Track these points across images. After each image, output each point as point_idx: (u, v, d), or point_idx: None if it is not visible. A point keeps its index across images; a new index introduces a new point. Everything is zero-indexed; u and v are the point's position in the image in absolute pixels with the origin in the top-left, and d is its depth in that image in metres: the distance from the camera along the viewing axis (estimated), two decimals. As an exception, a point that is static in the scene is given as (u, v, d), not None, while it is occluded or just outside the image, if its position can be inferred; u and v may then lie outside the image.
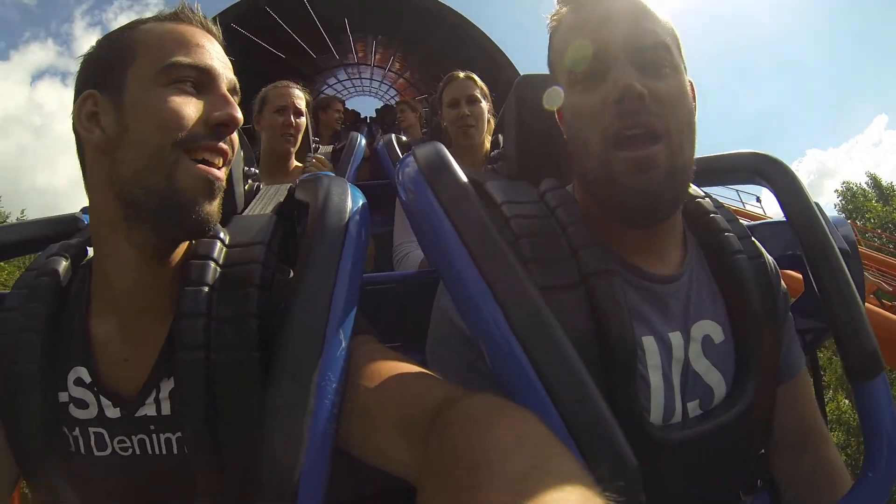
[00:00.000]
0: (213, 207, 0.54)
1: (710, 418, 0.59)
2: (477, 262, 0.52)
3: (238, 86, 0.58)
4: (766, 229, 0.85)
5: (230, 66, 0.58)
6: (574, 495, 0.27)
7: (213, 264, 0.55)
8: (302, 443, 0.44)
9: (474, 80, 1.64)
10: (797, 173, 0.73)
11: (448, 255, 0.55)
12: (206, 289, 0.53)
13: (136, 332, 0.55)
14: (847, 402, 11.80)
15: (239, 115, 0.55)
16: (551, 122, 0.68)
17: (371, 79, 9.98)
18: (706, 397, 0.60)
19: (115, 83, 0.52)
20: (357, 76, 9.77)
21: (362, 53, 7.83)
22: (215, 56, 0.57)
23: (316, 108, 3.06)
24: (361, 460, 0.49)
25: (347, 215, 0.57)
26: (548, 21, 0.63)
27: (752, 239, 0.67)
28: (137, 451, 0.53)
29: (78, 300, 0.57)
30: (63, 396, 0.54)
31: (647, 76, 0.53)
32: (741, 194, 11.24)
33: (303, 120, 1.60)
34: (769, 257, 0.68)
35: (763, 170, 0.75)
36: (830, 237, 0.66)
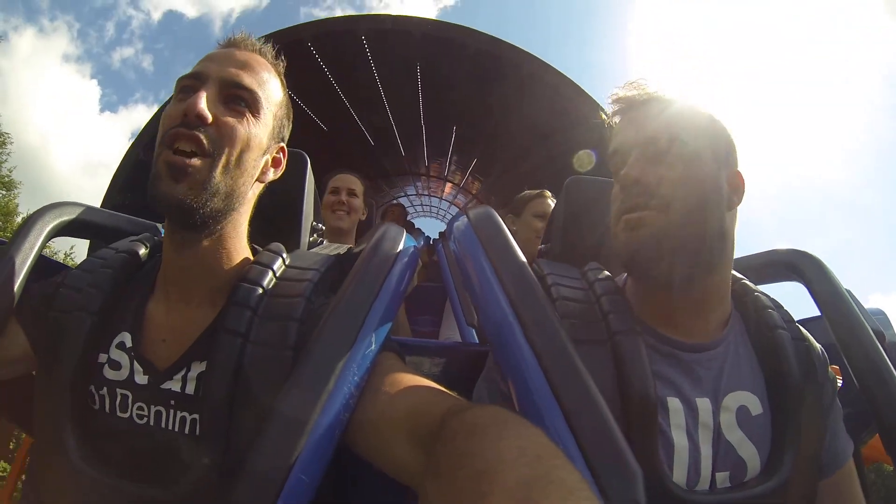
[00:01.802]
0: (178, 190, 0.55)
1: (740, 490, 0.57)
2: (514, 307, 0.56)
3: (244, 80, 0.60)
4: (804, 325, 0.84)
5: (239, 65, 0.62)
6: None
7: (270, 273, 0.61)
8: (305, 431, 0.46)
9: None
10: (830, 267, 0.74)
11: (486, 297, 0.59)
12: (260, 290, 0.58)
13: (179, 318, 0.61)
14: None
15: (197, 104, 0.56)
16: (595, 218, 0.78)
17: (441, 198, 10.01)
18: (738, 470, 0.59)
19: None
20: (427, 193, 9.91)
21: (436, 173, 7.92)
22: (214, 60, 0.62)
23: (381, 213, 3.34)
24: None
25: (400, 245, 0.64)
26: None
27: (797, 324, 0.68)
28: (151, 423, 0.56)
29: (145, 280, 0.64)
30: (102, 357, 0.59)
31: (655, 165, 0.63)
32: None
33: (356, 201, 1.76)
34: (817, 345, 0.68)
35: (796, 264, 0.77)
36: (863, 320, 0.66)
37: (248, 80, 0.61)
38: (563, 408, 0.47)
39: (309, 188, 0.94)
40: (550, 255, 0.97)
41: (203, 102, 0.57)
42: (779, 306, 0.69)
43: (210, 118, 0.57)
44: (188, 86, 0.60)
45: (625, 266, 0.66)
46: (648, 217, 0.61)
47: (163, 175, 0.56)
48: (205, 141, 0.56)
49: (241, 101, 0.61)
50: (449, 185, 8.15)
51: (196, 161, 0.56)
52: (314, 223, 1.05)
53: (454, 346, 1.29)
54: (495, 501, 0.28)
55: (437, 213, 11.42)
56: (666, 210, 0.61)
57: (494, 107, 4.56)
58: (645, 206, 0.61)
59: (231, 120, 0.59)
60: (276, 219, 0.89)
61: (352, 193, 1.76)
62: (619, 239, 0.64)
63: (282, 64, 0.69)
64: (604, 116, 0.73)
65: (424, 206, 11.20)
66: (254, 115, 0.61)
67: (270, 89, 0.65)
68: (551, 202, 1.73)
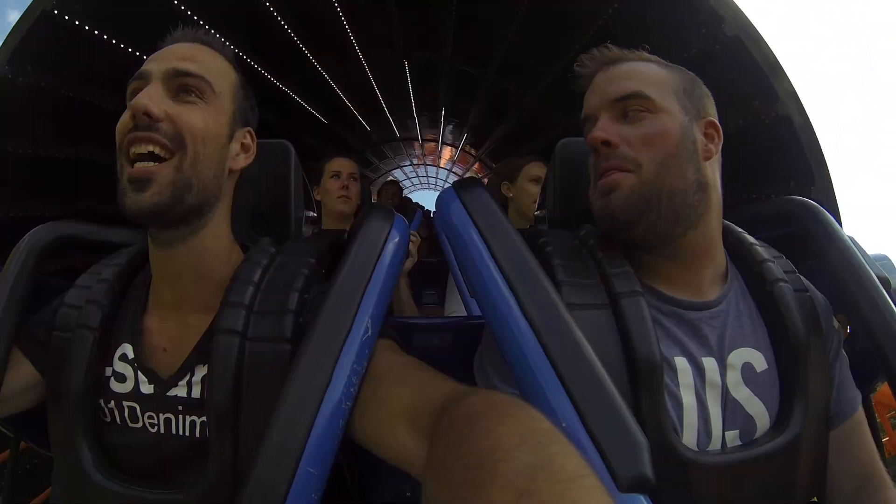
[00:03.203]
0: (144, 198, 0.54)
1: (751, 448, 0.57)
2: (506, 275, 0.55)
3: (189, 68, 0.58)
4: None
5: (182, 56, 0.59)
6: (577, 493, 0.27)
7: (260, 269, 0.60)
8: (310, 420, 0.46)
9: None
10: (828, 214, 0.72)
11: (478, 270, 0.58)
12: (252, 287, 0.58)
13: (175, 325, 0.61)
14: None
15: (142, 102, 0.54)
16: (588, 179, 0.77)
17: (438, 168, 9.41)
18: (747, 427, 0.59)
19: None
20: (423, 164, 9.40)
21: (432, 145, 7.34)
22: (156, 59, 0.60)
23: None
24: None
25: (388, 228, 0.63)
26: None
27: (798, 275, 0.66)
28: (162, 430, 0.57)
29: (140, 290, 0.64)
30: (108, 371, 0.59)
31: (624, 124, 0.62)
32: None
33: (357, 185, 1.76)
34: (819, 294, 0.67)
35: (794, 213, 0.75)
36: (868, 267, 0.64)
37: (193, 67, 0.59)
38: (565, 384, 0.47)
39: (297, 179, 0.92)
40: (547, 220, 0.95)
41: (148, 99, 0.54)
42: (778, 256, 0.68)
43: (160, 114, 0.55)
44: (136, 88, 0.58)
45: (606, 233, 0.65)
46: (620, 179, 0.60)
47: (127, 190, 0.54)
48: (162, 139, 0.54)
49: (191, 89, 0.58)
50: (448, 150, 7.45)
51: (157, 166, 0.54)
52: (306, 212, 1.03)
53: (458, 321, 1.28)
54: (495, 492, 0.27)
55: (436, 185, 11.10)
56: (638, 169, 0.60)
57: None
58: (617, 168, 0.61)
59: (184, 111, 0.57)
60: (264, 213, 0.88)
61: (353, 177, 1.75)
62: (595, 206, 0.64)
63: (230, 49, 0.66)
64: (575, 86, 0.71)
65: (421, 179, 10.95)
66: (207, 102, 0.59)
67: (220, 72, 0.62)
68: (542, 164, 1.72)
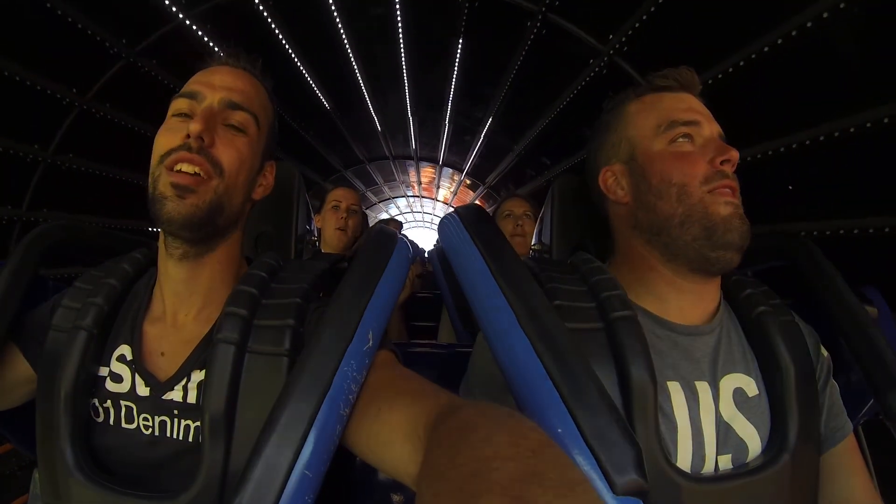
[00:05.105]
0: (184, 206, 0.57)
1: (743, 472, 0.57)
2: (504, 293, 0.57)
3: (241, 101, 0.62)
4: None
5: (235, 85, 0.63)
6: (570, 500, 0.27)
7: (263, 280, 0.61)
8: (309, 422, 0.47)
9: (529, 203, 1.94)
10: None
11: (479, 286, 0.60)
12: (254, 296, 0.58)
13: (176, 331, 0.62)
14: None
15: (198, 127, 0.58)
16: (584, 212, 0.81)
17: (435, 200, 8.95)
18: (739, 451, 0.59)
19: None
20: (419, 200, 9.24)
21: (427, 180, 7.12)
22: (209, 81, 0.63)
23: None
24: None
25: (395, 243, 0.65)
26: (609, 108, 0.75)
27: (783, 304, 0.68)
28: (157, 433, 0.57)
29: (142, 293, 0.65)
30: (103, 371, 0.59)
31: None
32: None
33: (356, 218, 1.80)
34: (805, 324, 0.69)
35: (784, 248, 0.78)
36: (859, 302, 0.68)
37: (244, 100, 0.63)
38: (560, 392, 0.48)
39: (300, 201, 0.95)
40: (543, 254, 0.98)
41: (204, 125, 0.58)
42: (760, 285, 0.70)
43: (211, 142, 0.59)
44: (185, 107, 0.61)
45: (702, 252, 0.63)
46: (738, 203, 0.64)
47: (168, 195, 0.57)
48: (207, 163, 0.58)
49: (239, 121, 0.62)
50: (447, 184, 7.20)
51: (199, 179, 0.58)
52: (308, 227, 1.06)
53: (449, 348, 1.29)
54: (490, 499, 0.27)
55: (433, 223, 10.91)
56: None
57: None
58: (735, 191, 0.64)
59: (230, 141, 0.61)
60: (268, 232, 0.91)
61: (352, 210, 1.79)
62: (721, 216, 0.62)
63: (269, 81, 0.71)
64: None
65: (416, 215, 10.90)
66: (250, 136, 0.63)
67: (264, 108, 0.67)
68: (523, 202, 1.83)
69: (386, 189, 7.69)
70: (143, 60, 1.82)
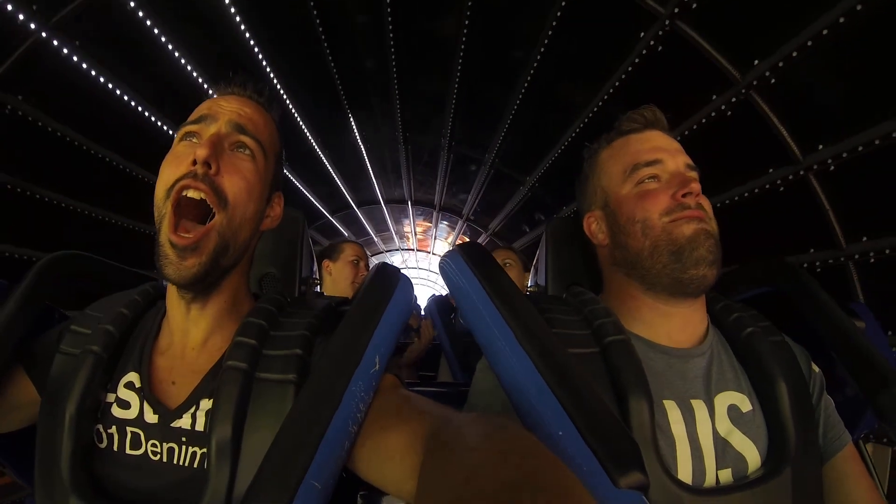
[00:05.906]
0: (183, 268, 0.56)
1: (746, 484, 0.58)
2: (508, 323, 0.59)
3: (249, 129, 0.62)
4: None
5: (242, 113, 0.63)
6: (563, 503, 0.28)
7: (272, 312, 0.62)
8: (319, 435, 0.47)
9: (514, 252, 2.07)
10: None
11: (480, 311, 0.63)
12: (261, 328, 0.59)
13: (184, 361, 0.62)
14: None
15: (202, 151, 0.57)
16: (577, 253, 0.86)
17: (431, 254, 8.70)
18: (739, 466, 0.61)
19: None
20: (413, 255, 9.16)
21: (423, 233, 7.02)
22: (216, 109, 0.62)
23: None
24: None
25: (399, 275, 0.67)
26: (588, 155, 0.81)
27: (771, 324, 0.72)
28: (164, 459, 0.56)
29: (152, 323, 0.66)
30: (110, 397, 0.59)
31: None
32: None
33: (366, 269, 1.97)
34: (796, 344, 0.72)
35: (774, 275, 0.83)
36: (852, 320, 0.71)
37: (251, 127, 0.63)
38: (558, 398, 0.50)
39: (305, 246, 0.99)
40: (540, 294, 1.00)
41: (210, 149, 0.58)
42: (748, 309, 0.73)
43: (217, 168, 0.59)
44: (192, 131, 0.62)
45: (671, 267, 0.67)
46: (708, 224, 0.68)
47: (170, 256, 0.57)
48: (212, 193, 0.58)
49: (247, 149, 0.62)
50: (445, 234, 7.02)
51: (202, 230, 0.58)
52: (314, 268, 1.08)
53: (450, 386, 1.31)
54: None
55: (429, 278, 10.81)
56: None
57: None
58: (702, 217, 0.68)
59: (236, 168, 0.61)
60: (273, 273, 0.93)
61: (366, 265, 2.00)
62: (688, 232, 0.66)
63: (277, 110, 0.72)
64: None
65: (411, 272, 10.79)
66: (257, 163, 0.63)
67: (271, 137, 0.67)
68: (508, 252, 2.01)
69: (379, 241, 7.57)
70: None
